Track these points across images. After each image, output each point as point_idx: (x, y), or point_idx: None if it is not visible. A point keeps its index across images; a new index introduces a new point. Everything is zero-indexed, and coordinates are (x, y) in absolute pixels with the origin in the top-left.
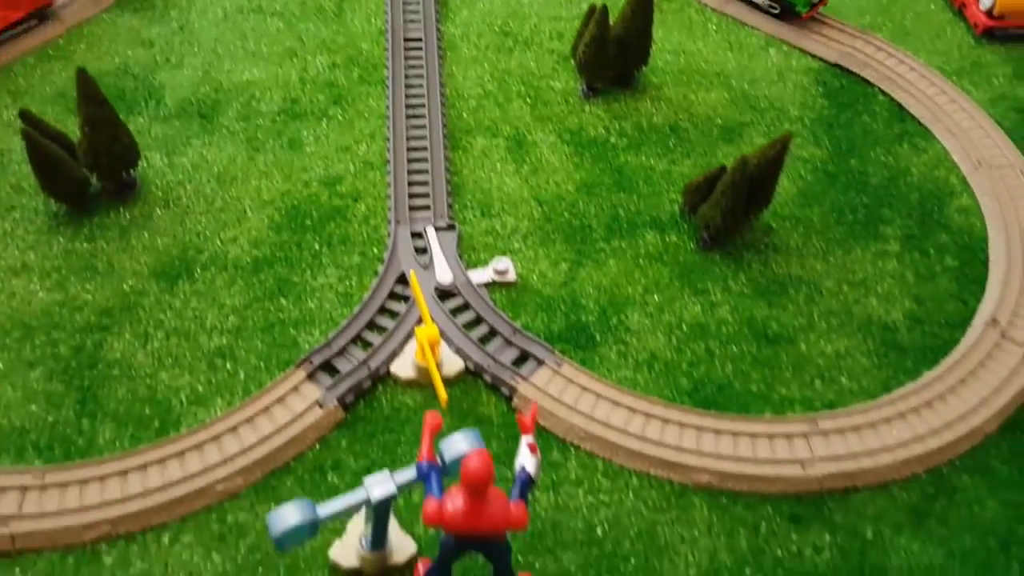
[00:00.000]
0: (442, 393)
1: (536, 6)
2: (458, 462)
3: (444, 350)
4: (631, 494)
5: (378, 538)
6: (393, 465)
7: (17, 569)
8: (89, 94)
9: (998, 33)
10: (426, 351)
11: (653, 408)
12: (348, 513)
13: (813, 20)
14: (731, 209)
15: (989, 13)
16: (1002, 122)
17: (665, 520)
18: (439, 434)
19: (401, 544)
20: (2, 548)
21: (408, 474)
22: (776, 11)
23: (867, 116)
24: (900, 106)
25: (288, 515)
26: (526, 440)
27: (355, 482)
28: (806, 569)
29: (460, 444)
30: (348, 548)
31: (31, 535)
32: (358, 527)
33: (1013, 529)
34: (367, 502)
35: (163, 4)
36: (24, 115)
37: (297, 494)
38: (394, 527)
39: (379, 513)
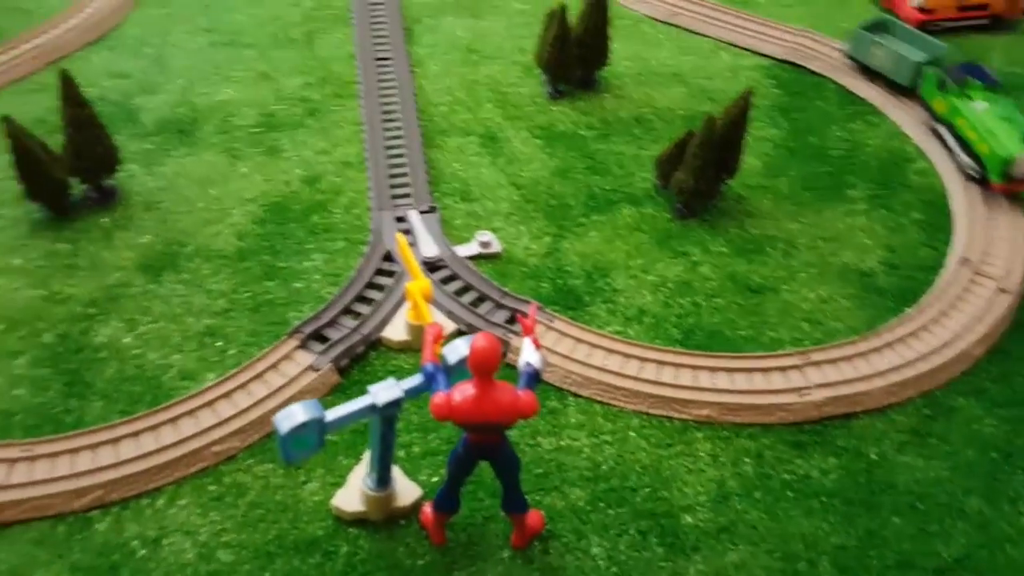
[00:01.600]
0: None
1: (499, 28)
2: (463, 364)
3: (435, 314)
4: (633, 433)
5: (383, 471)
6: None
7: (5, 542)
8: (71, 95)
9: (930, 27)
10: (419, 303)
11: (648, 352)
12: (354, 420)
13: (757, 23)
14: (703, 169)
15: (920, 8)
16: None
17: (669, 455)
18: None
19: (406, 488)
20: None
21: (414, 380)
22: (980, 178)
23: (820, 101)
24: (849, 91)
25: (295, 413)
26: (528, 339)
27: (355, 440)
28: (814, 489)
29: (462, 347)
30: (351, 494)
31: (18, 505)
32: (360, 475)
33: (1012, 441)
34: (373, 407)
35: (137, 42)
36: (8, 119)
37: None
38: (399, 474)
39: (384, 429)
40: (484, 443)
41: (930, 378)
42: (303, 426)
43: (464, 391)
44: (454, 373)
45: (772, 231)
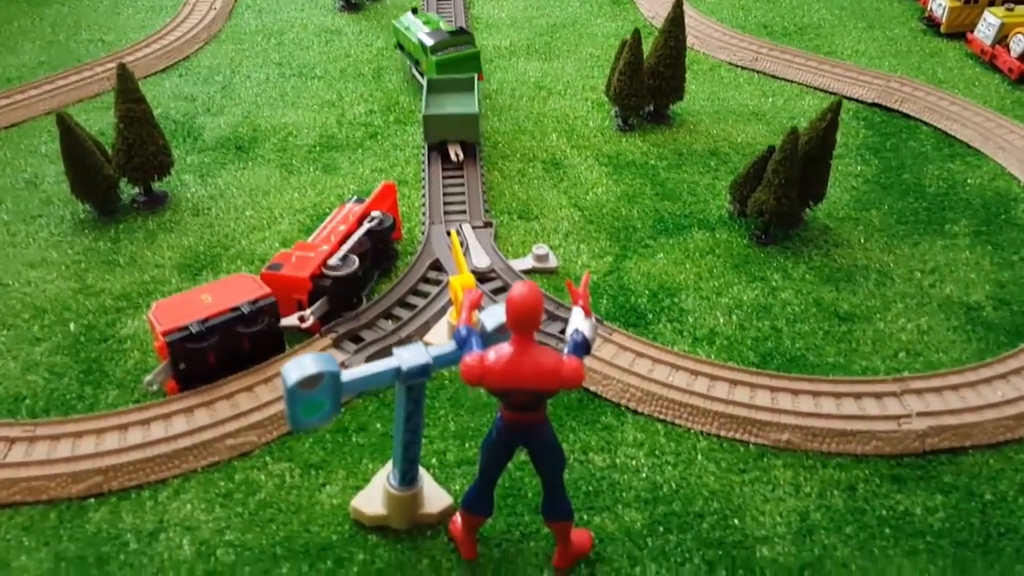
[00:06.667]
0: None
1: (570, 69)
2: (502, 331)
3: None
4: (700, 456)
5: (407, 465)
6: (431, 427)
7: None
8: (127, 89)
9: None
10: (459, 297)
11: (719, 370)
12: (374, 383)
13: (845, 68)
14: (784, 188)
15: (1022, 57)
16: None
17: (743, 481)
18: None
19: (435, 495)
20: None
21: (446, 347)
22: None
23: (913, 142)
24: (945, 133)
25: (306, 363)
26: (578, 307)
27: (383, 443)
28: (918, 529)
29: (502, 314)
30: (373, 495)
31: (10, 486)
32: (383, 478)
33: None
34: (397, 372)
35: (208, 71)
36: (60, 114)
37: (318, 455)
38: (428, 479)
39: (411, 407)
40: (521, 422)
41: None
42: (315, 381)
43: (500, 350)
44: (491, 342)
45: (863, 261)
